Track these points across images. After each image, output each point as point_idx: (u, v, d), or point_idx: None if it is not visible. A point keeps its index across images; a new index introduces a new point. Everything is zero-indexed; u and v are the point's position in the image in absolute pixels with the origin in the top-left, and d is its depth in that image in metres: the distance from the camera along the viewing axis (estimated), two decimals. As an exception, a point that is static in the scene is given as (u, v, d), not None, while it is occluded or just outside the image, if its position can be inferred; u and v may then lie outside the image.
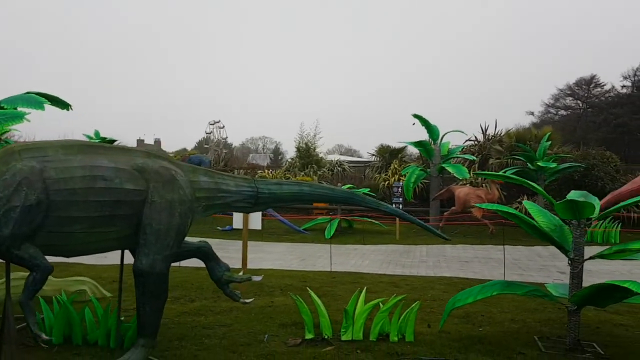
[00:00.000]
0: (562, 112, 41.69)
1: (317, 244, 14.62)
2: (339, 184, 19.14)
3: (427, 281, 8.51)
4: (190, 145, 61.07)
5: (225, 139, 36.90)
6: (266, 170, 24.91)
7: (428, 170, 18.02)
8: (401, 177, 20.50)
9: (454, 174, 16.32)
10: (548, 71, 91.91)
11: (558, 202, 4.64)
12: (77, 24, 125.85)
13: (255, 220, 7.52)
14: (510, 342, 5.14)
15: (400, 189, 18.32)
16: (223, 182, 4.76)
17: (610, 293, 4.53)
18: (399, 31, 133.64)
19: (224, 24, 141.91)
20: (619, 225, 14.55)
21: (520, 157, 16.57)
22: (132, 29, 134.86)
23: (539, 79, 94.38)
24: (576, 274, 4.96)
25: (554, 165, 14.94)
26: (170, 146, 78.91)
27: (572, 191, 5.66)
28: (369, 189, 17.60)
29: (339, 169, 25.94)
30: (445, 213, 16.72)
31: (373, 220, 16.64)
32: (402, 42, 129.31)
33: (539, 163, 15.16)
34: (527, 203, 5.79)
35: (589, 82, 39.87)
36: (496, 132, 24.32)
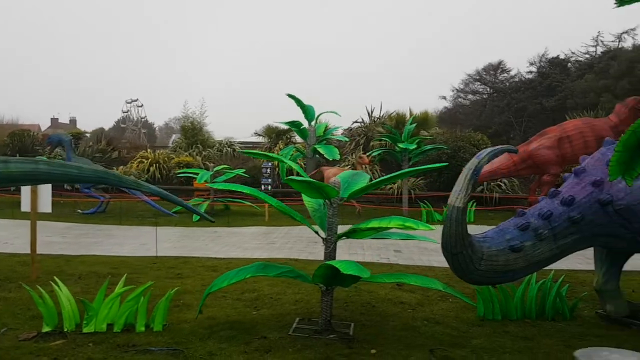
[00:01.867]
0: (471, 96, 43.12)
1: (181, 227, 14.15)
2: (212, 164, 18.64)
3: (247, 262, 8.34)
4: (108, 125, 58.30)
5: (143, 118, 35.21)
6: (148, 150, 23.83)
7: (305, 151, 17.96)
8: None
9: (325, 155, 16.33)
10: (465, 58, 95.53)
11: (293, 180, 4.53)
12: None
13: (45, 202, 6.97)
14: (266, 325, 5.06)
15: (269, 170, 18.17)
16: None
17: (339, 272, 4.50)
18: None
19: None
20: (474, 205, 15.25)
21: (386, 139, 16.89)
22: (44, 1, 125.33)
23: (456, 64, 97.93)
24: (328, 254, 4.93)
25: (413, 146, 15.34)
26: (87, 125, 74.89)
27: (344, 172, 5.66)
28: (244, 170, 17.31)
29: (229, 149, 25.38)
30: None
31: (249, 203, 16.40)
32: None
33: (399, 145, 15.50)
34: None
35: (496, 68, 41.39)
36: (381, 114, 24.86)
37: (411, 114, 22.64)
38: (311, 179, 4.46)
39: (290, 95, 17.38)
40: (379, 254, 9.74)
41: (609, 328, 5.34)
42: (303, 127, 17.42)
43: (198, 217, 15.12)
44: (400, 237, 5.26)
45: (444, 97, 44.76)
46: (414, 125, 16.96)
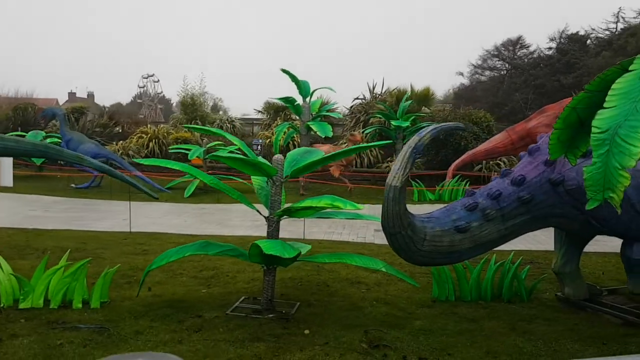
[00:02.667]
0: (488, 73, 42.16)
1: (171, 203, 14.16)
2: (205, 140, 18.57)
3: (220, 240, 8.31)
4: (126, 100, 58.60)
5: (160, 93, 35.11)
6: (149, 126, 23.84)
7: (299, 127, 17.81)
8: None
9: (317, 132, 16.17)
10: (483, 31, 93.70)
11: (224, 158, 4.43)
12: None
13: (7, 176, 6.95)
14: (209, 303, 5.02)
15: (260, 147, 18.06)
16: None
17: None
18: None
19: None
20: (467, 184, 15.03)
21: (380, 116, 16.67)
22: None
23: (475, 40, 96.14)
24: (271, 232, 4.84)
25: (406, 124, 15.10)
26: (104, 100, 75.62)
27: (297, 148, 5.54)
28: (237, 147, 17.23)
29: (229, 125, 25.28)
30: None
31: (241, 180, 16.35)
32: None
33: (392, 122, 15.27)
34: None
35: (515, 44, 40.36)
36: (382, 90, 24.51)
37: (412, 91, 22.30)
38: (244, 157, 4.36)
39: (284, 70, 17.15)
40: (358, 233, 9.65)
41: (563, 311, 5.22)
42: (297, 103, 17.24)
43: (189, 193, 15.15)
44: (347, 216, 5.15)
45: (461, 74, 43.84)
46: (409, 102, 16.68)
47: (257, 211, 4.94)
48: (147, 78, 39.61)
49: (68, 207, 12.35)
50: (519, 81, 35.76)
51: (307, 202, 4.30)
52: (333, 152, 4.77)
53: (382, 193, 4.33)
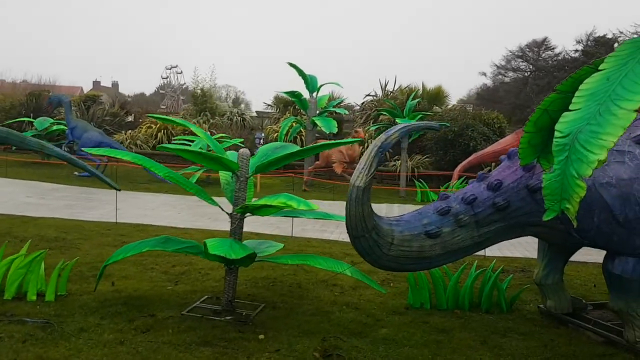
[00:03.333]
0: (512, 74, 41.28)
1: (171, 194, 14.07)
2: (211, 132, 18.47)
3: (184, 233, 8.15)
4: (149, 90, 58.99)
5: (183, 84, 35.10)
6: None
7: (304, 123, 17.59)
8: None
9: (322, 128, 15.94)
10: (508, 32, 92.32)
11: (181, 151, 4.24)
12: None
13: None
14: (167, 302, 4.85)
15: (262, 141, 17.87)
16: None
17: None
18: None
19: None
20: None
21: (386, 113, 16.36)
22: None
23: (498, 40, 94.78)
24: (234, 230, 4.64)
25: (411, 122, 14.76)
26: (128, 90, 76.52)
27: (270, 143, 5.35)
28: (242, 140, 17.10)
29: (238, 118, 25.17)
30: (309, 167, 16.45)
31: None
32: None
33: (397, 120, 14.96)
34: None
35: (540, 45, 39.47)
36: (394, 88, 24.14)
37: (424, 89, 21.92)
38: (203, 150, 4.16)
39: (291, 64, 16.96)
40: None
41: (542, 325, 4.94)
42: (303, 97, 17.02)
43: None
44: (315, 216, 4.93)
45: (484, 74, 43.05)
46: (416, 101, 16.32)
47: (220, 207, 4.74)
48: (170, 69, 39.77)
49: (65, 195, 12.32)
50: (542, 83, 34.99)
51: (263, 200, 4.09)
52: (301, 149, 4.56)
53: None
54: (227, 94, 73.37)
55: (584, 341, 4.57)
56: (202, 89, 24.62)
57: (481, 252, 7.75)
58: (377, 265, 4.46)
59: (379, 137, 4.18)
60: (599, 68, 2.92)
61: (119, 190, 5.58)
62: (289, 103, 23.49)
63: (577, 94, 2.90)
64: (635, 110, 2.49)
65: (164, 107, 37.94)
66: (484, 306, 5.30)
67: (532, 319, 5.14)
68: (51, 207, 10.33)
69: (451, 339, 4.46)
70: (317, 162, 15.96)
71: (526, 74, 40.17)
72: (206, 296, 5.06)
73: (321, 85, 17.41)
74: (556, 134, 2.86)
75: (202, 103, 24.03)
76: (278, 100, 24.12)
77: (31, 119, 20.26)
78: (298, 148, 5.12)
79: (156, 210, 10.67)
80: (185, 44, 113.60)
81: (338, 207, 12.49)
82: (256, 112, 29.10)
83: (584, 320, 4.96)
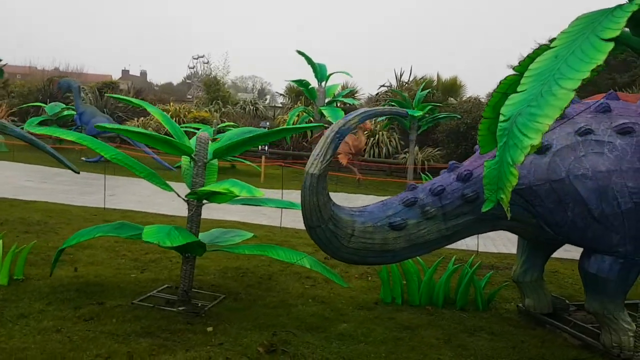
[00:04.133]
0: None
1: (172, 182, 13.98)
2: (215, 121, 18.36)
3: (171, 221, 8.02)
4: (177, 80, 59.53)
5: (209, 74, 35.20)
6: (171, 104, 23.85)
7: (312, 113, 17.36)
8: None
9: (329, 118, 15.68)
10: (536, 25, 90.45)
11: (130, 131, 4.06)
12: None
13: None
14: (123, 290, 4.71)
15: (266, 129, 17.67)
16: None
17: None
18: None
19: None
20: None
21: (394, 104, 16.02)
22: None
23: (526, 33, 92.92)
24: (191, 217, 4.46)
25: (417, 113, 14.40)
26: (156, 79, 77.61)
27: (238, 128, 5.17)
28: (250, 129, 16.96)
29: (251, 107, 25.07)
30: (314, 158, 16.21)
31: (248, 162, 16.15)
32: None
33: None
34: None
35: None
36: (409, 79, 23.72)
37: (438, 80, 21.46)
38: (152, 133, 3.99)
39: (299, 52, 16.69)
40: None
41: (517, 325, 4.67)
42: (311, 87, 16.77)
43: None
44: (277, 204, 4.73)
45: (512, 67, 42.19)
46: (425, 91, 15.93)
47: (176, 193, 4.56)
48: (197, 59, 39.84)
49: (65, 179, 12.34)
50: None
51: (210, 187, 3.90)
52: (261, 133, 4.35)
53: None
54: (253, 85, 73.53)
55: (558, 344, 4.29)
56: (215, 77, 24.53)
57: (473, 247, 7.49)
58: (336, 257, 4.24)
59: (337, 122, 3.95)
60: (551, 45, 2.64)
61: (78, 173, 5.43)
62: (301, 93, 23.26)
63: (526, 73, 2.63)
64: (575, 90, 2.21)
65: (190, 96, 38.16)
66: (459, 303, 5.05)
67: (508, 318, 4.87)
68: (47, 191, 10.33)
69: (413, 336, 4.23)
70: (322, 153, 15.67)
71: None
72: (166, 285, 4.90)
73: (330, 74, 17.12)
74: (500, 117, 2.60)
75: (214, 91, 23.96)
76: (290, 90, 23.91)
77: (41, 104, 20.44)
78: (265, 132, 4.89)
79: (150, 197, 10.59)
80: (216, 35, 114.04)
81: (339, 199, 12.26)
82: (268, 103, 28.94)
83: (563, 321, 4.67)
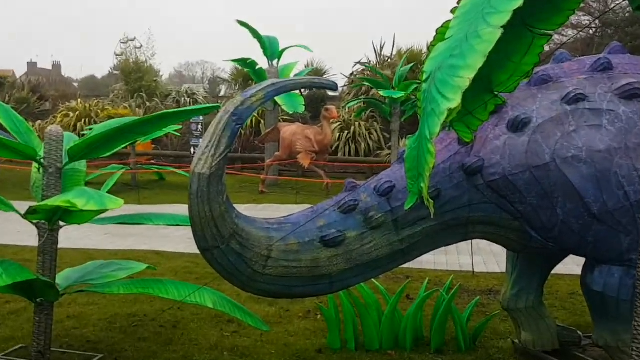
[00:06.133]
0: (570, 32, 40.45)
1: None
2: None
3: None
4: (103, 72, 58.93)
5: (143, 62, 34.60)
6: (78, 101, 23.45)
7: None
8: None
9: (284, 107, 15.48)
10: None
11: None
12: None
13: None
14: None
15: (200, 126, 17.51)
16: None
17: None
18: None
19: None
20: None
21: (367, 84, 15.92)
22: None
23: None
24: (44, 246, 4.13)
25: (400, 94, 14.24)
26: (75, 72, 76.89)
27: (106, 121, 4.90)
28: (180, 127, 16.77)
29: (188, 99, 24.77)
30: (267, 161, 15.98)
31: (177, 170, 15.93)
32: None
33: (381, 92, 14.44)
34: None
35: None
36: (392, 52, 23.59)
37: (429, 52, 21.39)
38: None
39: (241, 23, 16.48)
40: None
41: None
42: (259, 67, 16.54)
43: (107, 189, 14.64)
44: (167, 221, 4.48)
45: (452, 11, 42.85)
46: (408, 66, 15.76)
47: (20, 214, 4.23)
48: (126, 43, 39.12)
49: None
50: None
51: (48, 201, 3.61)
52: (127, 123, 4.08)
53: None
54: (202, 73, 72.60)
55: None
56: (136, 62, 24.21)
57: (456, 267, 7.35)
58: (248, 290, 4.00)
59: (231, 100, 3.71)
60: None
61: None
62: (249, 77, 23.10)
63: (455, 14, 2.45)
64: (502, 27, 2.00)
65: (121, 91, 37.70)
66: (433, 344, 4.84)
67: (501, 360, 4.68)
68: None
69: (366, 397, 4.00)
70: (277, 154, 15.45)
71: (590, 32, 39.44)
72: (20, 345, 4.61)
73: (284, 50, 16.95)
74: (422, 75, 2.40)
75: (135, 81, 23.59)
76: (237, 73, 23.68)
77: None
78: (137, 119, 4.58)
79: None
80: (152, 12, 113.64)
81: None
82: (220, 93, 28.66)
83: (574, 361, 4.51)
